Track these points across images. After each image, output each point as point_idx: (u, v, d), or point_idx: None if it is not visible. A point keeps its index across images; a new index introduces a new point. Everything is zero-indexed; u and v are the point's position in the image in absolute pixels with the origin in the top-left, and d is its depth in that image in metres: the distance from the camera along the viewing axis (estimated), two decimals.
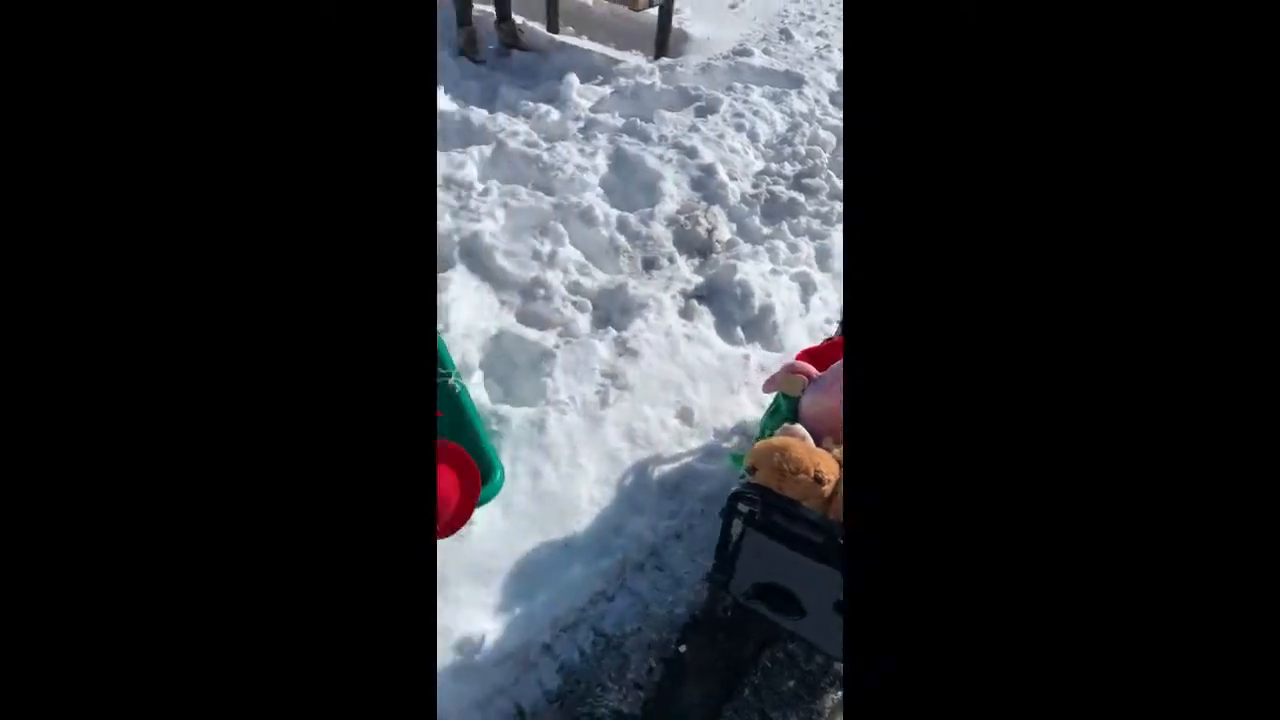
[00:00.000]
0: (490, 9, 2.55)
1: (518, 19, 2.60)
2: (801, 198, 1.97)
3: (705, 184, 1.98)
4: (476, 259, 1.80)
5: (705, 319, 1.73)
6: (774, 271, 1.78)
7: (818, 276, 1.81)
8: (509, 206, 1.93)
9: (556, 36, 2.69)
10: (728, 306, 1.76)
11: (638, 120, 2.09)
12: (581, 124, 2.07)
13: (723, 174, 1.98)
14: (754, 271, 1.78)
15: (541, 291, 1.70)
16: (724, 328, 1.73)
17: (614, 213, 1.96)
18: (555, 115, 2.09)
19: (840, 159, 2.08)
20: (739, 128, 2.12)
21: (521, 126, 2.06)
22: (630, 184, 2.02)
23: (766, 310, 1.71)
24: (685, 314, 1.73)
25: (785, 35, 2.77)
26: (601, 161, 2.01)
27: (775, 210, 1.97)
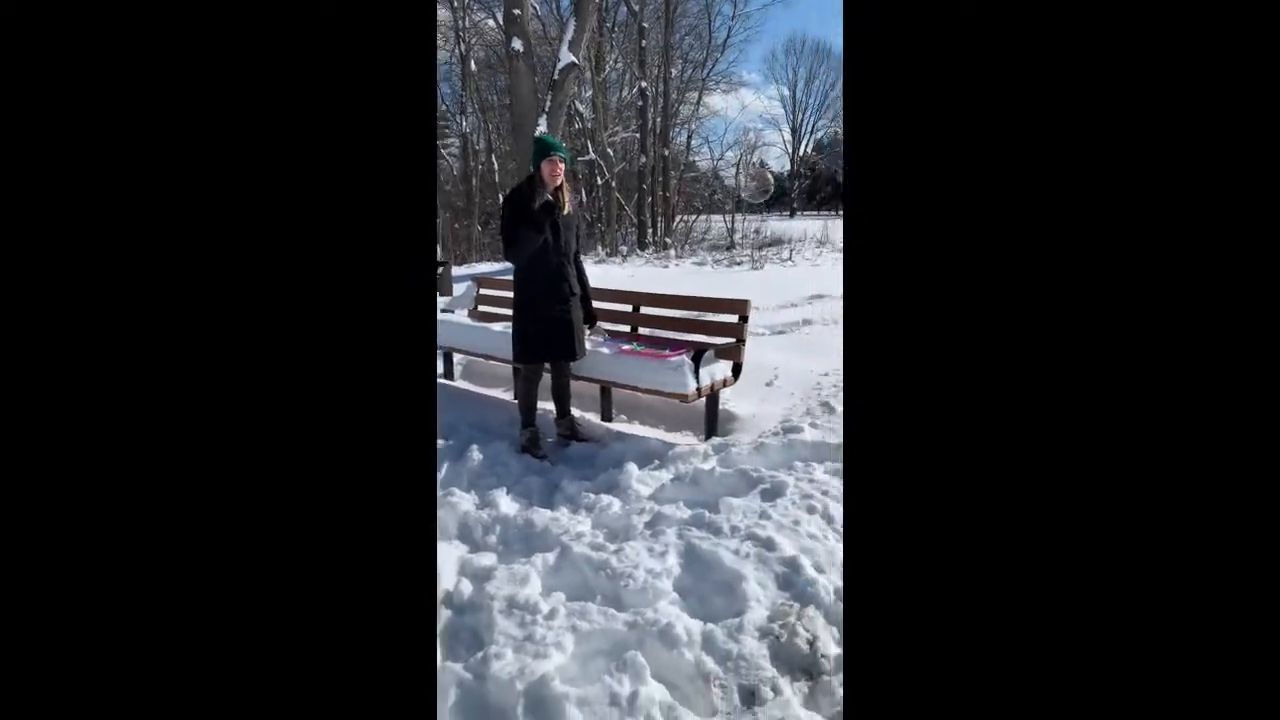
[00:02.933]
0: (550, 407, 2.61)
1: (576, 413, 2.65)
2: None
3: (792, 581, 1.77)
4: (545, 714, 1.49)
5: None
6: None
7: None
8: (578, 631, 1.69)
9: (611, 425, 2.71)
10: None
11: (704, 511, 1.95)
12: (646, 517, 1.92)
13: (808, 568, 1.78)
14: None
15: None
16: None
17: (696, 626, 1.72)
18: (617, 507, 1.96)
19: None
20: (811, 510, 1.98)
21: (585, 525, 1.90)
22: (707, 585, 1.81)
23: None
24: None
25: (827, 408, 2.83)
26: (673, 561, 1.82)
27: None
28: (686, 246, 13.87)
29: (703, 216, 16.28)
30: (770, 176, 6.35)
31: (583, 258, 2.69)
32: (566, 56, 7.95)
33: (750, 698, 1.59)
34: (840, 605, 1.80)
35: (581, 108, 14.44)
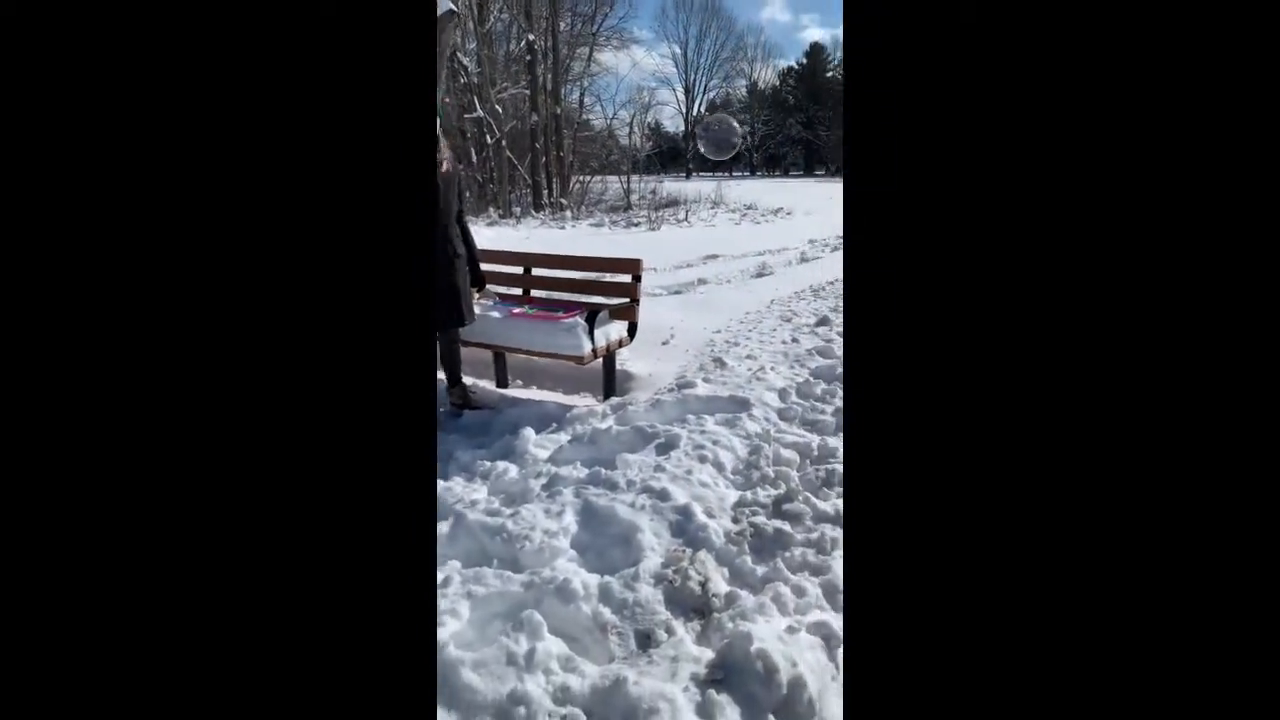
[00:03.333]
0: (441, 376, 2.52)
1: (467, 380, 2.57)
2: (786, 526, 1.87)
3: (685, 528, 1.85)
4: (440, 681, 1.49)
5: (728, 713, 1.49)
6: (790, 630, 1.61)
7: (835, 622, 1.66)
8: (474, 596, 1.68)
9: (507, 392, 2.65)
10: (750, 688, 1.54)
11: (601, 469, 1.98)
12: (543, 479, 1.93)
13: (700, 514, 1.86)
14: (769, 634, 1.60)
15: (522, 711, 1.41)
16: (754, 719, 1.49)
17: (593, 580, 1.77)
18: (514, 472, 1.95)
19: (810, 475, 2.03)
20: (703, 459, 2.06)
21: (480, 492, 1.87)
22: (604, 539, 1.85)
23: (797, 685, 1.51)
24: (704, 711, 1.49)
25: (719, 363, 2.91)
26: (570, 520, 1.84)
27: (764, 545, 1.85)
28: (583, 208, 13.68)
29: (598, 177, 16.08)
30: (734, 123, 5.87)
31: (472, 219, 2.59)
32: (445, 3, 7.44)
33: (645, 641, 1.65)
34: (729, 546, 1.90)
35: (466, 61, 13.65)
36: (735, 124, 4.58)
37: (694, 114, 38.04)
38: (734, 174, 36.63)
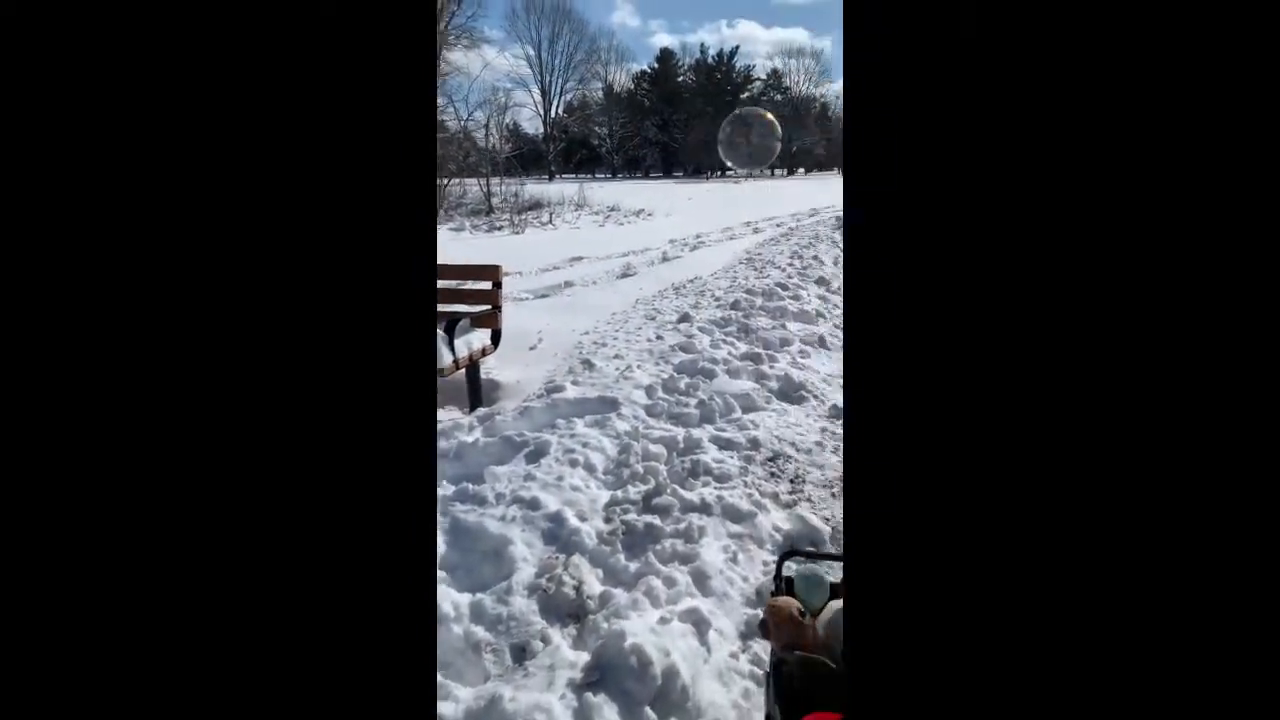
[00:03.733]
0: None
1: None
2: (656, 520, 1.93)
3: (557, 534, 1.85)
4: None
5: (605, 713, 1.52)
6: (662, 620, 1.67)
7: (705, 608, 1.74)
8: None
9: None
10: (626, 684, 1.57)
11: (468, 484, 1.92)
12: None
13: (572, 518, 1.87)
14: (642, 629, 1.64)
15: None
16: (630, 714, 1.53)
17: (464, 599, 1.71)
18: None
19: (677, 468, 2.11)
20: (573, 463, 2.07)
21: None
22: (474, 556, 1.80)
23: (670, 674, 1.56)
24: (581, 715, 1.50)
25: (588, 364, 2.92)
26: (437, 540, 1.77)
27: (635, 541, 1.89)
28: (443, 211, 13.13)
29: (457, 180, 15.51)
30: (775, 124, 3.89)
31: None
32: None
33: (521, 654, 1.62)
34: (602, 546, 1.92)
35: None
36: (771, 119, 3.60)
37: (553, 116, 37.88)
38: (596, 176, 36.98)
